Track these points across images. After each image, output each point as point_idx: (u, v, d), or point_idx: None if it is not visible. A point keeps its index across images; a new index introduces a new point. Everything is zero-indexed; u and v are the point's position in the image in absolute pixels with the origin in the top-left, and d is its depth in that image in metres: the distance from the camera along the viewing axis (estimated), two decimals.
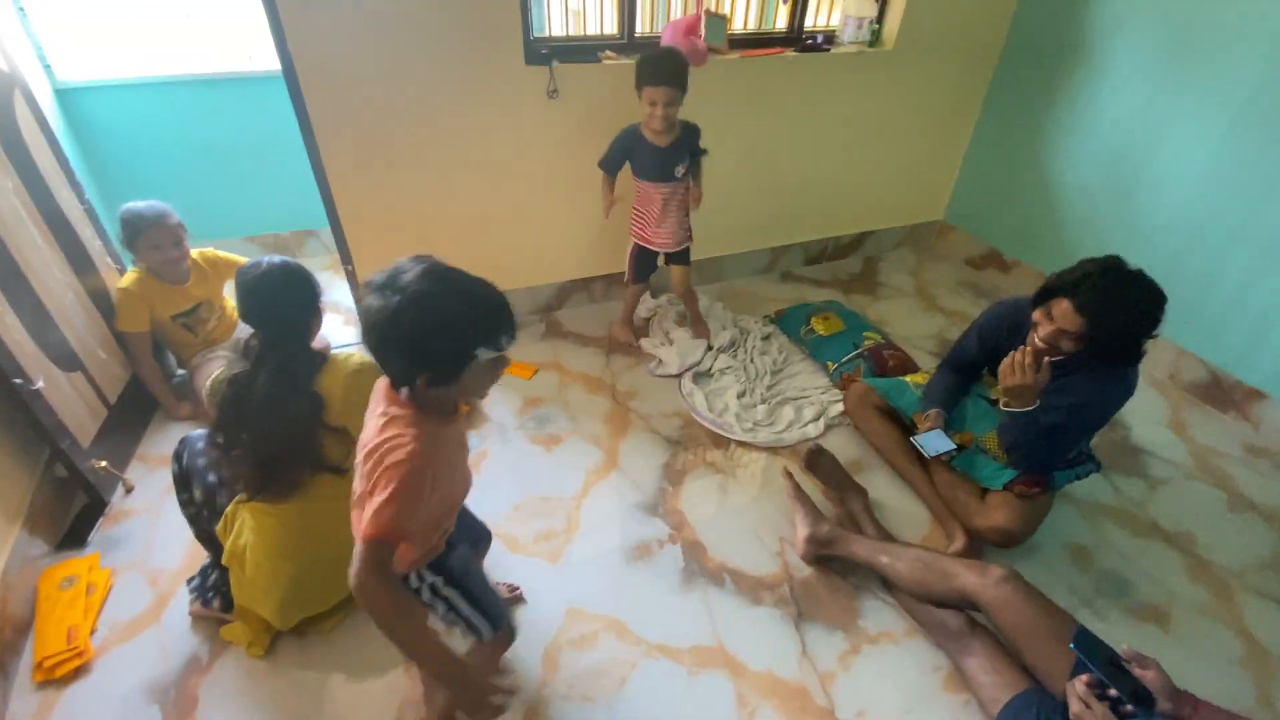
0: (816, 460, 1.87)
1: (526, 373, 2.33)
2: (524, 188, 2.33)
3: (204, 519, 1.47)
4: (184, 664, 1.43)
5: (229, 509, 1.41)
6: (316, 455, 1.32)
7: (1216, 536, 1.84)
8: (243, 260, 2.24)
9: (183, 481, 1.48)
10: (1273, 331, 2.11)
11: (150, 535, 1.71)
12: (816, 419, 2.16)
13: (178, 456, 1.49)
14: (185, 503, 1.49)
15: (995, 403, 1.79)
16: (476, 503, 1.83)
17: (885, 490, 1.92)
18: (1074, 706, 1.17)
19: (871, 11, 2.50)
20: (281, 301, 1.28)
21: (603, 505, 1.85)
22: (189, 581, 1.54)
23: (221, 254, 2.18)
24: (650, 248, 2.27)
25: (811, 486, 1.89)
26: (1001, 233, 3.02)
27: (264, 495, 1.33)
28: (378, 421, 0.93)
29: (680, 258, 2.30)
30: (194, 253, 2.10)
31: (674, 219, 2.18)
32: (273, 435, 1.27)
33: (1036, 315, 1.49)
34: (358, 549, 0.87)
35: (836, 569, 1.68)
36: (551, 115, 2.20)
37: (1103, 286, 1.37)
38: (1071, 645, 1.21)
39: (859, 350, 2.38)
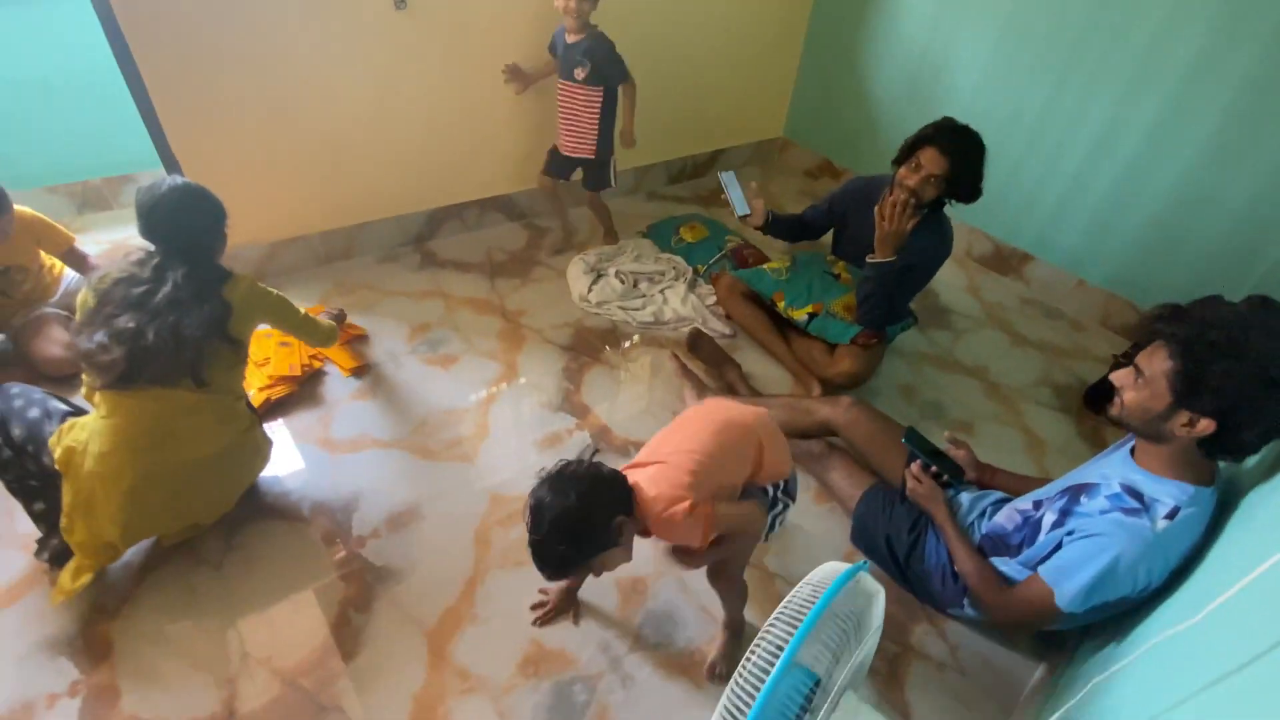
0: (697, 343, 2.11)
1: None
2: (372, 109, 2.25)
3: (26, 457, 1.35)
4: (86, 614, 1.37)
5: (64, 424, 1.33)
6: (196, 360, 1.32)
7: (1003, 366, 2.33)
8: (69, 234, 1.96)
9: None
10: (1037, 204, 2.64)
11: (9, 503, 1.55)
12: (684, 303, 2.39)
13: None
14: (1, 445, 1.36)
15: (838, 277, 2.12)
16: (380, 426, 1.87)
17: (753, 363, 2.20)
18: (910, 485, 1.51)
19: None
20: (186, 223, 1.34)
21: (509, 410, 1.95)
22: (37, 555, 1.45)
23: (42, 218, 1.89)
24: (557, 145, 2.37)
25: (695, 366, 2.12)
26: (832, 144, 3.40)
27: (123, 384, 1.27)
28: None
29: (587, 178, 2.44)
30: (20, 209, 1.81)
31: (570, 123, 2.27)
32: (165, 328, 1.26)
33: (902, 172, 1.76)
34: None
35: None
36: (399, 28, 2.13)
37: (957, 130, 1.71)
38: (904, 440, 1.55)
39: (723, 252, 2.63)
